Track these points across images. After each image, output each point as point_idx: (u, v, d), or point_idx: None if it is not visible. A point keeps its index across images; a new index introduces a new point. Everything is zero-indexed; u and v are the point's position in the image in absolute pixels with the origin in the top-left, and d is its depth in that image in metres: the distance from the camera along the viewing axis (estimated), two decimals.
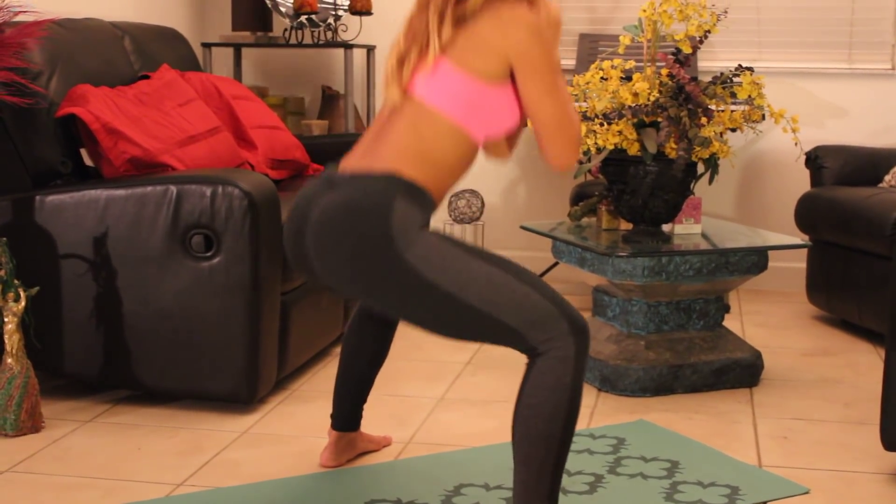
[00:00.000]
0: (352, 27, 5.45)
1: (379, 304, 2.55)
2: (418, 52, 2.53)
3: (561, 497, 2.83)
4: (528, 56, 2.47)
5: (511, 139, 2.76)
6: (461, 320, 2.40)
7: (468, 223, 5.27)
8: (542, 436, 2.36)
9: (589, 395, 3.71)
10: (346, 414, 3.08)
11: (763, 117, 3.86)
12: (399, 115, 2.53)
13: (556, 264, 5.23)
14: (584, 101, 3.83)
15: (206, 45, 5.37)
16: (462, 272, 2.37)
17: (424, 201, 2.46)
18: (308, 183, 2.61)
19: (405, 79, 2.54)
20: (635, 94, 3.72)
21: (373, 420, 3.38)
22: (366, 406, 3.11)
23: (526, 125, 2.68)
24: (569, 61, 5.35)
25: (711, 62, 5.30)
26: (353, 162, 2.56)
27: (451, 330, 2.46)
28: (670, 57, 3.74)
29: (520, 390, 2.40)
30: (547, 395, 2.36)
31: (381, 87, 2.63)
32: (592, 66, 3.87)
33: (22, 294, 3.28)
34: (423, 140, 2.49)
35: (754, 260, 3.81)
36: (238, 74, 5.45)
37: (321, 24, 5.27)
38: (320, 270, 2.51)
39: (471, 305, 2.36)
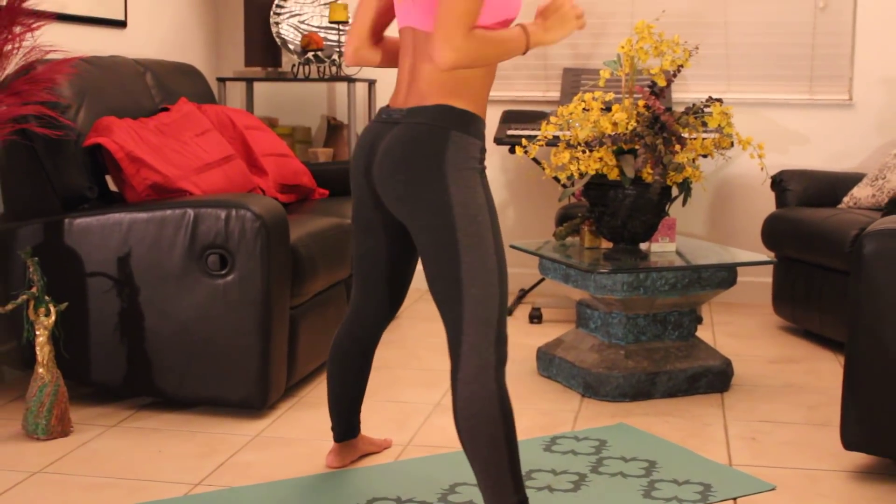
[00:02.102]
0: None
1: (411, 222, 2.53)
2: None
3: (548, 495, 2.84)
4: None
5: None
6: (445, 267, 2.43)
7: None
8: (488, 441, 2.37)
9: (573, 401, 3.71)
10: (345, 427, 3.07)
11: (732, 144, 3.87)
12: (419, 55, 2.53)
13: (542, 280, 5.24)
14: (568, 129, 3.84)
15: (221, 80, 5.38)
16: (477, 235, 2.42)
17: (476, 125, 2.50)
18: (368, 126, 2.65)
19: None
20: (615, 124, 3.73)
21: (374, 424, 3.37)
22: (368, 411, 3.11)
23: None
24: (553, 93, 5.37)
25: (684, 94, 5.31)
26: (402, 98, 2.58)
27: (433, 268, 2.47)
28: (646, 89, 3.75)
29: (454, 408, 2.42)
30: (479, 404, 2.37)
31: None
32: (575, 97, 3.88)
33: (52, 309, 3.28)
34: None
35: (724, 275, 3.82)
36: (250, 106, 5.46)
37: (326, 60, 5.29)
38: (382, 193, 2.55)
39: (460, 264, 2.41)
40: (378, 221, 2.72)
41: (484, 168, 2.51)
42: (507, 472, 2.39)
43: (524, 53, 2.50)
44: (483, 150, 2.52)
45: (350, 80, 5.19)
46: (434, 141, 2.45)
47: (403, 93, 2.58)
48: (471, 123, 2.49)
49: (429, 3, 2.47)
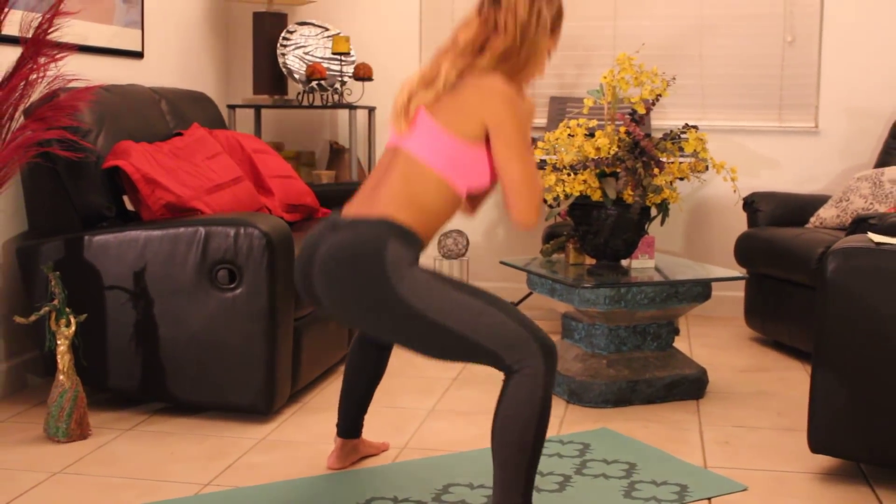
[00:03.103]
0: (355, 91, 5.48)
1: (374, 330, 2.55)
2: (424, 91, 2.55)
3: (535, 495, 2.83)
4: (502, 122, 2.48)
5: (479, 199, 2.77)
6: (446, 343, 2.39)
7: (455, 259, 5.27)
8: (517, 442, 2.35)
9: (558, 407, 3.71)
10: (350, 424, 3.07)
11: (706, 168, 3.87)
12: (394, 168, 2.54)
13: (530, 294, 5.24)
14: (554, 154, 3.84)
15: (231, 107, 5.38)
16: (446, 302, 2.37)
17: (414, 242, 2.46)
18: (314, 226, 2.61)
19: (411, 113, 2.55)
20: (598, 149, 3.73)
21: (373, 428, 3.37)
22: (367, 416, 3.10)
23: (494, 187, 2.67)
24: (541, 120, 5.38)
25: (662, 121, 5.32)
26: (354, 209, 2.56)
27: (437, 352, 2.46)
28: (627, 116, 3.76)
29: (497, 403, 2.39)
30: (521, 407, 2.35)
31: (391, 121, 2.62)
32: (561, 124, 3.88)
33: (72, 320, 3.28)
34: (413, 189, 2.50)
35: (700, 290, 3.82)
36: (258, 132, 5.46)
37: (329, 88, 5.29)
38: (325, 301, 2.51)
39: (454, 331, 2.36)
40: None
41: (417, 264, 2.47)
42: (523, 474, 2.37)
43: None
44: (416, 260, 2.48)
45: (351, 107, 5.19)
46: (373, 252, 2.40)
47: (357, 203, 2.57)
48: (410, 239, 2.45)
49: (429, 138, 2.50)
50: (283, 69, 5.29)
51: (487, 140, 2.50)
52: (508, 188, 2.51)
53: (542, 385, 2.35)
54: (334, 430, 3.15)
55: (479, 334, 2.36)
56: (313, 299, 2.58)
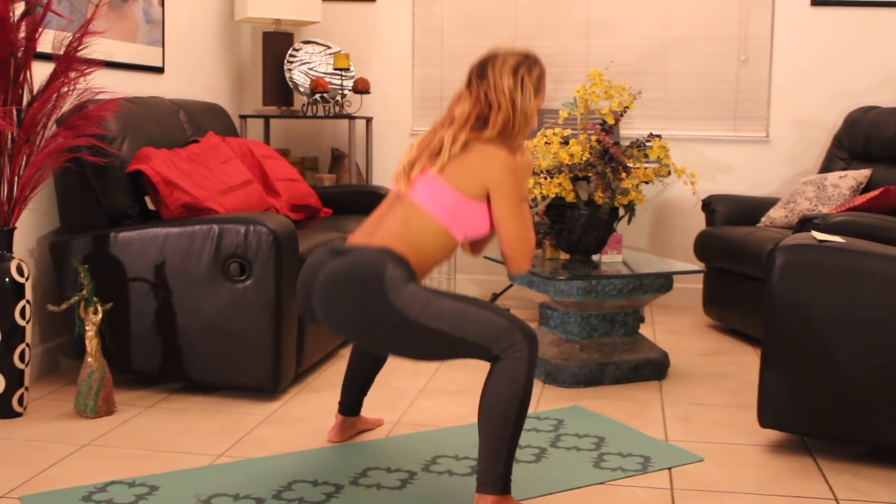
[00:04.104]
0: (354, 103, 5.48)
1: (370, 342, 2.54)
2: (427, 160, 2.57)
3: (514, 465, 2.84)
4: (502, 186, 2.53)
5: (480, 245, 2.81)
6: (440, 345, 2.41)
7: None
8: (502, 418, 2.37)
9: (536, 387, 3.72)
10: (351, 403, 3.08)
11: (669, 173, 3.88)
12: (397, 210, 2.57)
13: (511, 286, 5.24)
14: (533, 160, 3.85)
15: (243, 117, 5.37)
16: (437, 309, 2.39)
17: (409, 270, 2.48)
18: (316, 252, 2.60)
19: (413, 177, 2.57)
20: (571, 155, 3.74)
21: (369, 405, 3.37)
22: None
23: (493, 235, 2.69)
24: None
25: (630, 130, 5.33)
26: (357, 240, 2.58)
27: (433, 354, 2.48)
28: (598, 126, 3.77)
29: (485, 382, 2.40)
30: (507, 386, 2.36)
31: (392, 180, 2.66)
32: (539, 133, 3.89)
33: (99, 308, 3.28)
34: (412, 231, 2.53)
35: (663, 282, 3.84)
36: (267, 139, 5.45)
37: (331, 100, 5.29)
38: (325, 320, 2.52)
39: (445, 333, 2.38)
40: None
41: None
42: (505, 447, 2.38)
43: None
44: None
45: (351, 117, 5.19)
46: (372, 270, 2.41)
47: (358, 237, 2.58)
48: (405, 267, 2.46)
49: (433, 189, 2.53)
50: (290, 83, 5.29)
51: (488, 197, 2.55)
52: (506, 243, 2.58)
53: (526, 368, 2.37)
54: (335, 407, 3.15)
55: (469, 332, 2.38)
56: (312, 318, 2.59)
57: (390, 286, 2.40)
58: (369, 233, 2.58)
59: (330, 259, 2.51)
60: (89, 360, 3.27)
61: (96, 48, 3.68)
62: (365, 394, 3.08)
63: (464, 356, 2.45)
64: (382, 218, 2.60)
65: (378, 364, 3.04)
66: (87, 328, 3.26)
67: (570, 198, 3.73)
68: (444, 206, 2.53)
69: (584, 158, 3.72)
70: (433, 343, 2.41)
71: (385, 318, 2.40)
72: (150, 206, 3.81)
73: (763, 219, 4.78)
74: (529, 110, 2.64)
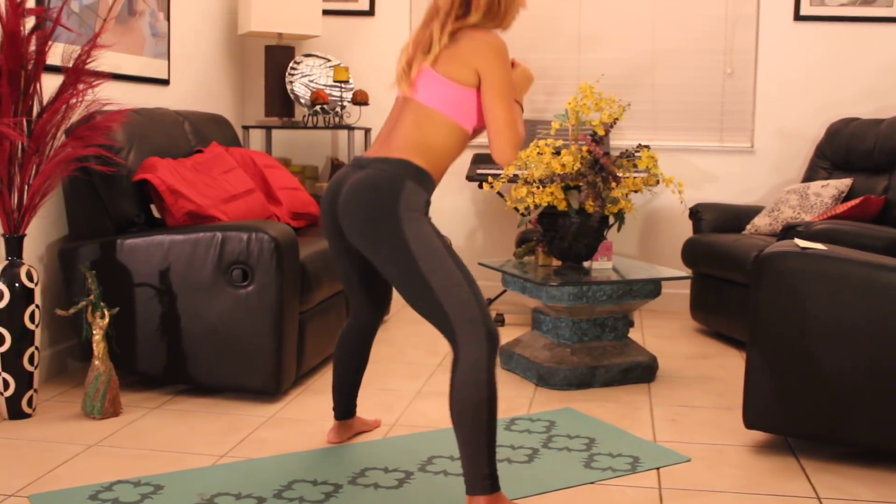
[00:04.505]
0: (354, 114, 5.48)
1: (376, 257, 2.49)
2: (422, 56, 2.54)
3: (506, 465, 2.84)
4: (490, 70, 2.48)
5: (472, 136, 2.73)
6: (419, 292, 2.39)
7: None
8: (474, 422, 2.34)
9: (528, 389, 3.72)
10: (344, 407, 3.06)
11: (657, 182, 3.89)
12: (407, 114, 2.55)
13: (504, 291, 5.24)
14: (526, 169, 3.85)
15: (245, 127, 5.37)
16: (435, 260, 2.38)
17: (428, 182, 2.49)
18: (342, 168, 2.63)
19: (413, 76, 2.55)
20: (563, 165, 3.74)
21: (366, 407, 3.37)
22: (362, 397, 3.10)
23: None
24: None
25: (619, 141, 5.34)
26: (374, 150, 2.57)
27: (409, 295, 2.43)
28: (589, 137, 3.77)
29: (449, 392, 2.38)
30: (471, 390, 2.33)
31: (394, 83, 2.62)
32: (532, 144, 3.89)
33: (106, 313, 3.27)
34: (425, 133, 2.51)
35: (651, 288, 3.84)
36: (269, 149, 5.45)
37: (330, 111, 5.29)
38: (344, 227, 2.52)
39: (431, 287, 2.37)
40: (345, 248, 2.70)
41: (429, 217, 2.48)
42: (484, 448, 2.35)
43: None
44: (428, 203, 2.50)
45: (350, 128, 5.19)
46: (391, 186, 2.42)
47: (376, 147, 2.58)
48: (424, 180, 2.48)
49: (433, 86, 2.50)
50: (291, 95, 5.29)
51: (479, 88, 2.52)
52: (493, 128, 2.51)
53: (485, 369, 2.34)
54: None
55: (449, 300, 2.36)
56: (333, 230, 2.61)
57: (404, 209, 2.40)
58: (385, 142, 2.56)
59: (353, 173, 2.53)
60: (96, 362, 3.26)
61: (104, 61, 3.68)
62: (355, 395, 3.07)
63: (431, 318, 2.41)
64: (395, 124, 2.58)
65: (362, 363, 3.01)
66: (94, 332, 3.25)
67: (562, 206, 3.73)
68: (446, 99, 2.50)
69: (576, 168, 3.72)
70: (416, 287, 2.38)
71: (390, 238, 2.39)
72: (156, 213, 3.81)
73: (748, 226, 4.79)
74: None
